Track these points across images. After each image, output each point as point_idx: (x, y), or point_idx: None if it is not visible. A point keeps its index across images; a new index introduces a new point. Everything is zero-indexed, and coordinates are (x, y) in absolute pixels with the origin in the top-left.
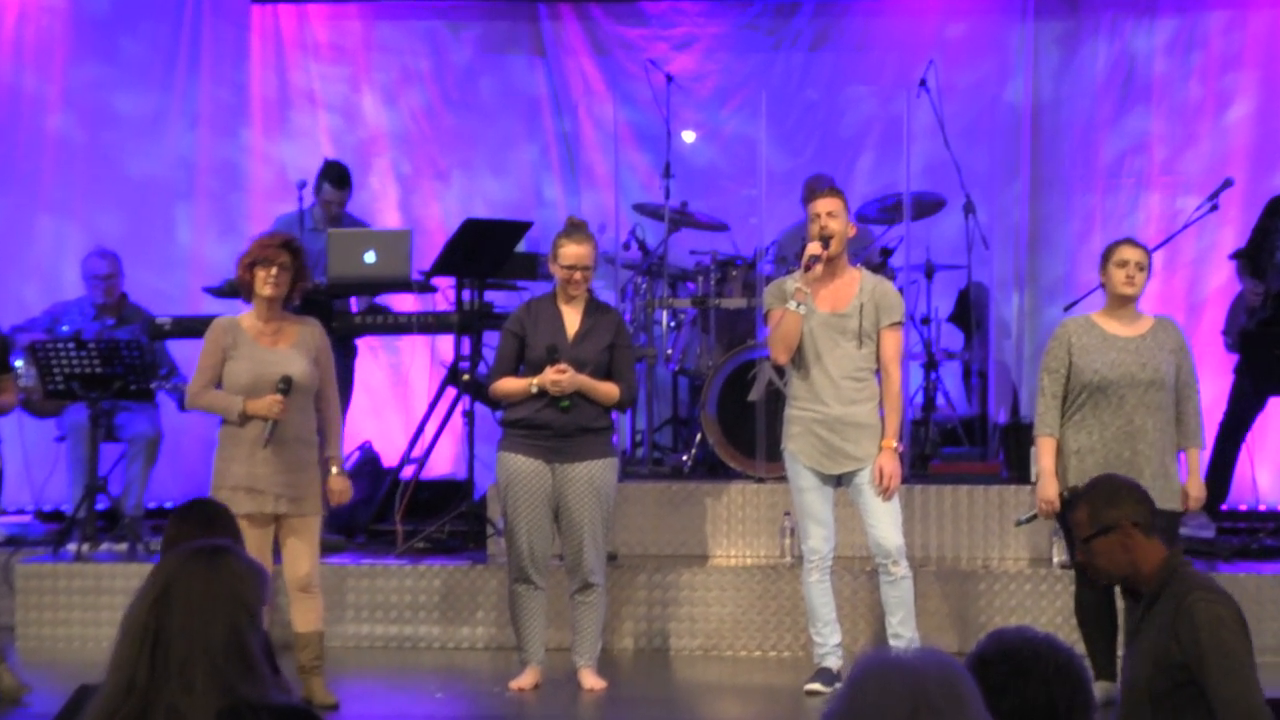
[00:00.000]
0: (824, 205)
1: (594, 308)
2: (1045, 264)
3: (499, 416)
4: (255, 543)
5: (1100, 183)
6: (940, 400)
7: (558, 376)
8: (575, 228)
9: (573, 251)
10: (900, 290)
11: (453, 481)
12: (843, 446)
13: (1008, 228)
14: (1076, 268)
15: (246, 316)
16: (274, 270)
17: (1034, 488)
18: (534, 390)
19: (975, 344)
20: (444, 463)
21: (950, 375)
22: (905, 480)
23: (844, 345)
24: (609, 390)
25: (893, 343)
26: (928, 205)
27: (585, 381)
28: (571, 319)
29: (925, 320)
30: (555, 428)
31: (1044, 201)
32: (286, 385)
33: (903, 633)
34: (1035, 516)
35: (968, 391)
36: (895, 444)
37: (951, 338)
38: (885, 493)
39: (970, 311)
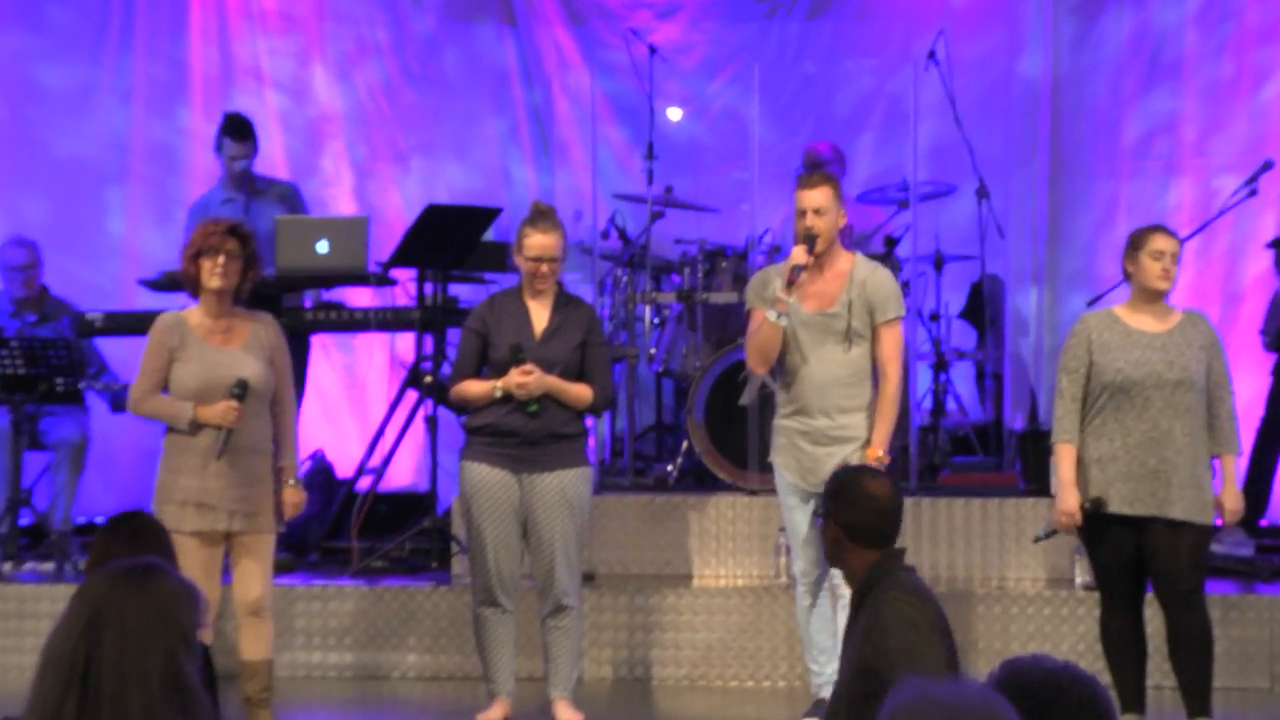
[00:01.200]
0: (811, 199)
1: (564, 302)
2: (1066, 254)
3: (463, 422)
4: (204, 563)
5: (1126, 165)
6: (951, 404)
7: (523, 379)
8: (541, 215)
9: (538, 241)
10: (905, 283)
11: (413, 494)
12: (826, 462)
13: (1025, 215)
14: (1100, 258)
15: (194, 313)
16: (221, 259)
17: (1053, 500)
18: (498, 394)
19: (989, 342)
20: (404, 473)
21: (962, 377)
22: (909, 494)
23: (830, 347)
24: (581, 393)
25: (890, 341)
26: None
27: (554, 383)
28: (539, 315)
29: (934, 316)
30: (522, 434)
31: (1064, 186)
32: (241, 390)
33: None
34: (1055, 532)
35: (981, 395)
36: (880, 454)
37: (963, 336)
38: None
39: (984, 307)
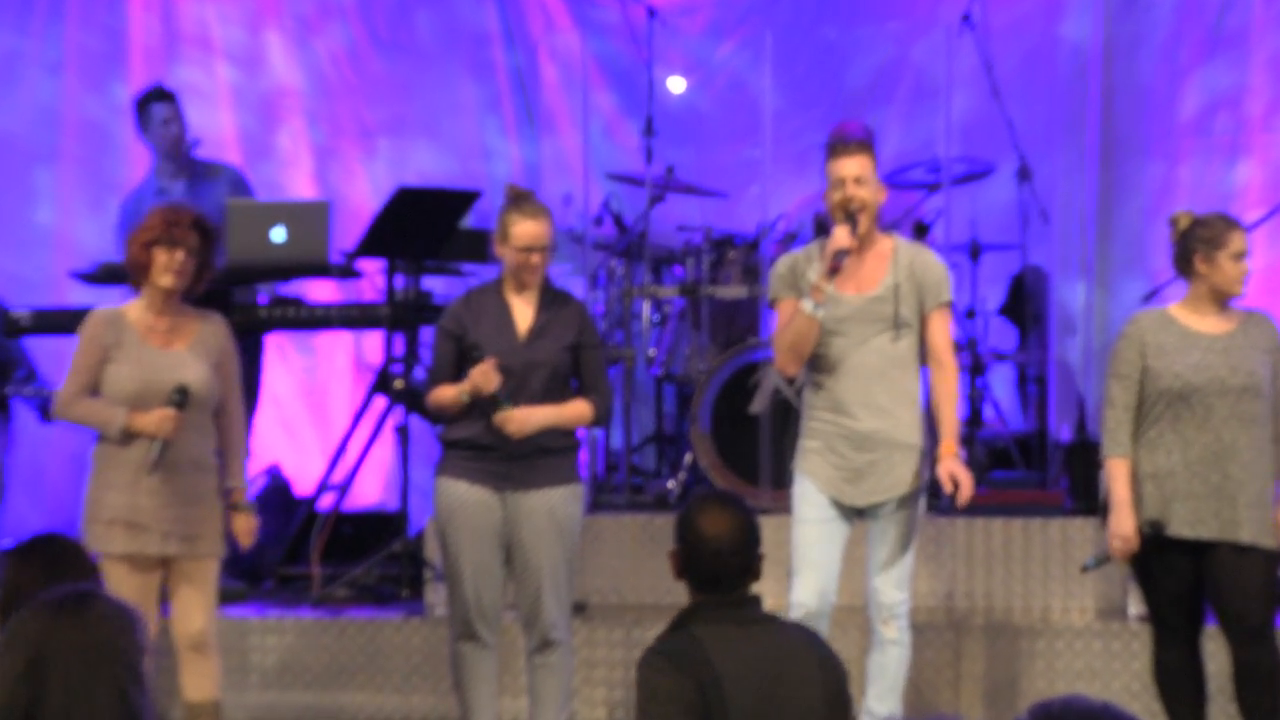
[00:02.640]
0: (850, 167)
1: (551, 298)
2: (1118, 243)
3: (439, 434)
4: (137, 590)
5: (1185, 143)
6: (988, 412)
7: (510, 419)
8: (524, 198)
9: (528, 229)
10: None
11: (382, 514)
12: (871, 471)
13: (1072, 198)
14: (1156, 247)
15: (134, 308)
16: (179, 255)
17: (1105, 521)
18: (464, 399)
19: (1032, 342)
20: (371, 491)
21: (1001, 381)
22: (942, 511)
23: (876, 338)
24: (577, 414)
25: (942, 327)
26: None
27: (546, 416)
28: (523, 313)
29: (970, 313)
30: (504, 448)
31: (1116, 166)
32: (181, 397)
33: (877, 709)
34: (1108, 558)
35: (1023, 401)
36: (956, 447)
37: (1002, 335)
38: (967, 499)
39: (1025, 302)
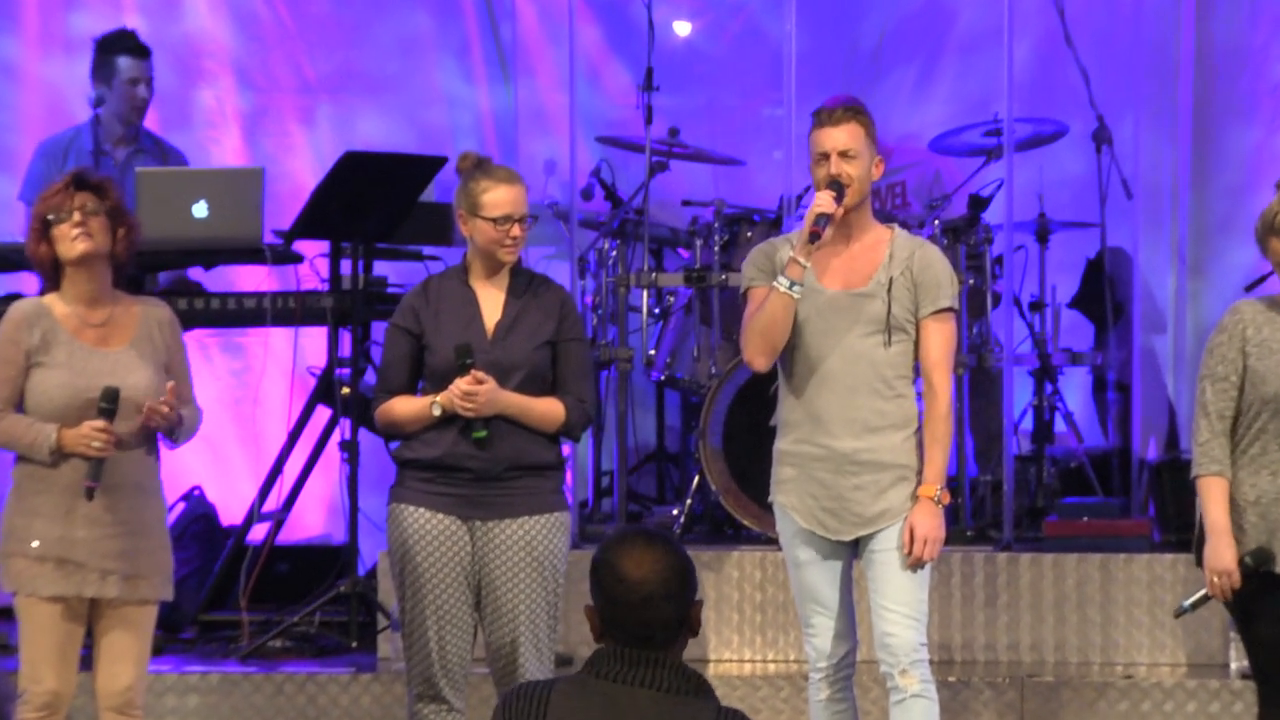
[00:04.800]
0: (834, 138)
1: (525, 284)
2: (1215, 221)
3: (393, 451)
4: (60, 641)
5: None
6: (1059, 426)
7: (471, 388)
8: (486, 162)
9: (504, 195)
10: (998, 259)
11: (325, 547)
12: (854, 499)
13: (1160, 167)
14: None
15: (58, 300)
16: (76, 219)
17: (1199, 555)
18: (436, 412)
19: (1111, 341)
20: (312, 520)
21: (1074, 388)
22: (1002, 547)
23: (861, 340)
24: (548, 411)
25: (940, 338)
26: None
27: (512, 400)
28: (491, 303)
29: (1036, 306)
30: (474, 469)
31: (1213, 130)
32: (111, 404)
33: None
34: (1206, 598)
35: (1101, 412)
36: (937, 491)
37: (1076, 332)
38: (915, 562)
39: (1105, 293)
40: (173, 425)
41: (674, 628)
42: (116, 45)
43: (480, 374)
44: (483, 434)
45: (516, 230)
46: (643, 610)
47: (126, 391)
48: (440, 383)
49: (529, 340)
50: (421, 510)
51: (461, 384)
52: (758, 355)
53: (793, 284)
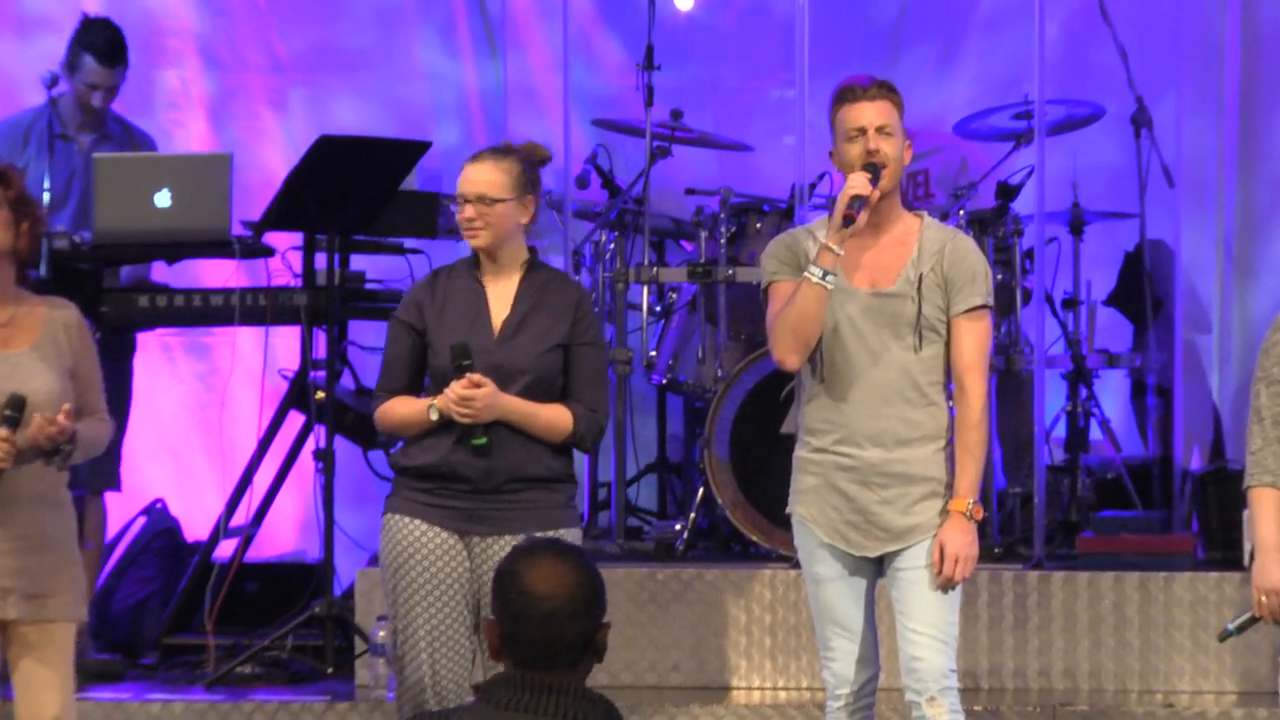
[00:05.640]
0: (869, 114)
1: (539, 281)
2: (1265, 211)
3: (392, 456)
4: None
5: None
6: (1095, 433)
7: (467, 393)
8: (489, 147)
9: (466, 173)
10: (1028, 252)
11: (299, 565)
12: (881, 513)
13: (1205, 154)
14: None
15: None
16: None
17: (1248, 574)
18: (433, 416)
19: (1151, 342)
20: (285, 536)
21: (1111, 392)
22: (1033, 565)
23: (892, 345)
24: (554, 418)
25: (974, 338)
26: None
27: (513, 405)
28: (500, 300)
29: (1070, 303)
30: (471, 479)
31: (1264, 112)
32: (16, 412)
33: None
34: (1254, 620)
35: (1140, 419)
36: (969, 506)
37: (1113, 332)
38: (945, 582)
39: (1143, 289)
40: (59, 445)
41: (578, 650)
42: (90, 41)
43: (478, 377)
44: (483, 441)
45: (469, 212)
46: (546, 627)
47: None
48: (441, 384)
49: (537, 343)
50: (417, 522)
51: (457, 388)
52: (789, 353)
53: (826, 274)
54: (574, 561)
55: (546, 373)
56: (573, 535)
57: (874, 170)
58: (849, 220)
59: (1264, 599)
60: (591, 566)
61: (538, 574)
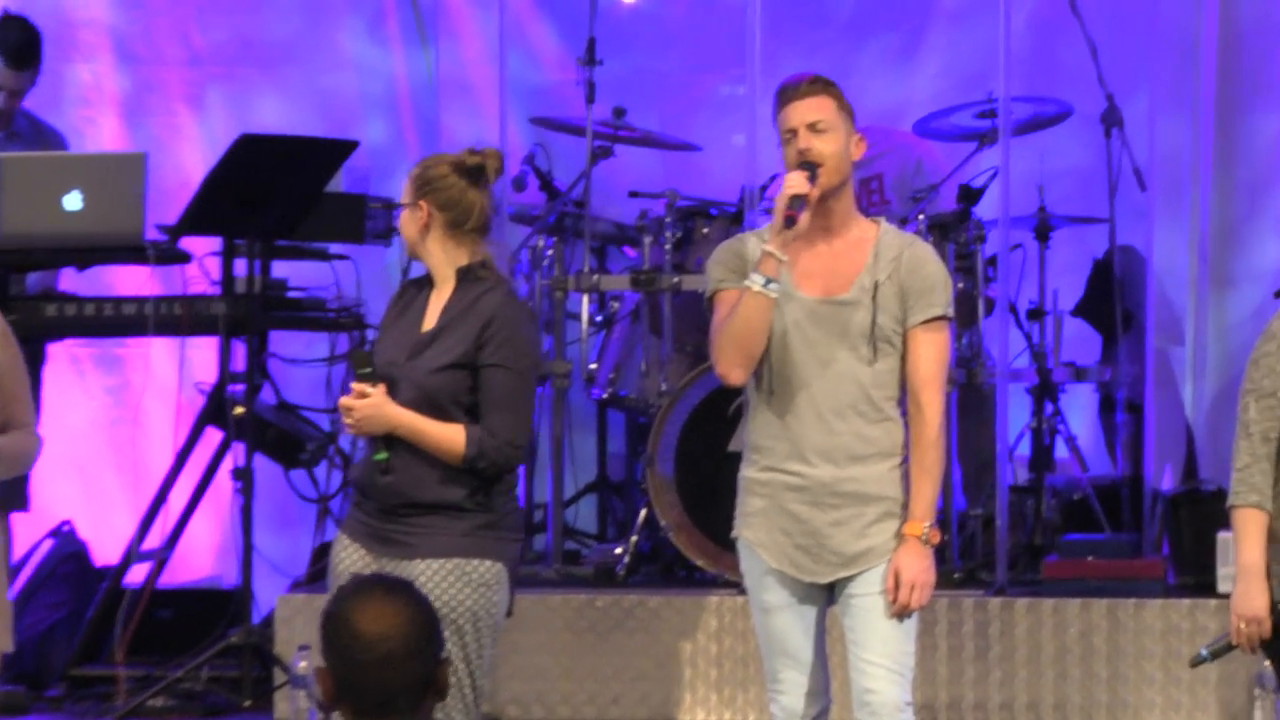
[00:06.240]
0: (800, 112)
1: (470, 293)
2: (1243, 216)
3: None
4: None
5: None
6: (1061, 451)
7: (347, 402)
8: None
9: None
10: (991, 259)
11: (216, 591)
12: (833, 536)
13: (1179, 155)
14: None
15: None
16: None
17: (1225, 599)
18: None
19: (1121, 355)
20: (201, 560)
21: (1079, 408)
22: (995, 591)
23: (844, 356)
24: (444, 437)
25: (931, 351)
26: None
27: (403, 419)
28: (434, 310)
29: (1035, 313)
30: (375, 498)
31: (1241, 111)
32: None
33: None
34: (1229, 647)
35: (1109, 436)
36: (925, 529)
37: (1081, 344)
38: (900, 610)
39: (1114, 299)
40: None
41: (418, 691)
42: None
43: (362, 386)
44: (383, 456)
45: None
46: (382, 671)
47: None
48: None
49: (430, 360)
50: (346, 539)
51: (344, 397)
52: (732, 367)
53: (768, 281)
54: (404, 597)
55: (437, 391)
56: (469, 566)
57: (811, 169)
58: (790, 221)
59: (1243, 626)
60: (424, 601)
61: (367, 615)
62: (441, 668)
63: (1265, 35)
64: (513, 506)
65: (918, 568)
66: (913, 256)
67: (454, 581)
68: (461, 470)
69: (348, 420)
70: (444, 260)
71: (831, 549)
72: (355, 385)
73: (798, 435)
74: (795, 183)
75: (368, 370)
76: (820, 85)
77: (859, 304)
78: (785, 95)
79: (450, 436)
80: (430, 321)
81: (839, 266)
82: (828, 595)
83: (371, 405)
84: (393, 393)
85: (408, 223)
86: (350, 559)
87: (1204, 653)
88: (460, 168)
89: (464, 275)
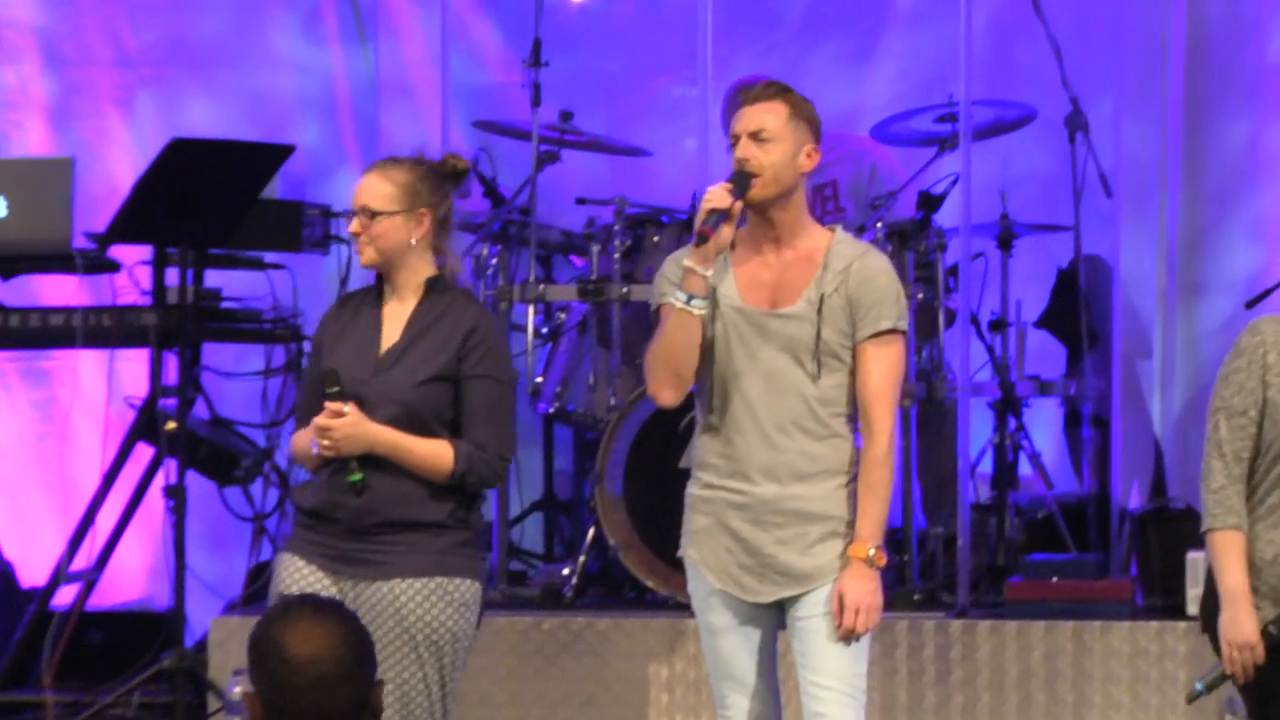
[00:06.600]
0: (745, 119)
1: (439, 304)
2: (1212, 224)
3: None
4: None
5: None
6: (1025, 468)
7: (326, 422)
8: (385, 156)
9: (357, 184)
10: (953, 268)
11: (147, 614)
12: (778, 555)
13: (1147, 161)
14: (1269, 228)
15: None
16: None
17: (1206, 626)
18: (314, 451)
19: (1087, 368)
20: (131, 581)
21: (1043, 423)
22: (957, 613)
23: (790, 371)
24: (431, 454)
25: (881, 366)
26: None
27: (384, 437)
28: (394, 325)
29: (998, 324)
30: (343, 520)
31: (1210, 115)
32: None
33: None
34: (1224, 677)
35: (1074, 452)
36: (870, 551)
37: (1045, 356)
38: (846, 635)
39: (1079, 310)
40: None
41: (351, 716)
42: None
43: (338, 406)
44: (357, 477)
45: (354, 226)
46: (314, 694)
47: None
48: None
49: (411, 373)
50: (299, 561)
51: (319, 417)
52: (662, 387)
53: (691, 298)
54: (335, 618)
55: (420, 406)
56: (450, 585)
57: (742, 180)
58: (702, 238)
59: (1236, 654)
60: (356, 622)
61: (298, 637)
62: (375, 691)
63: (1235, 34)
64: (483, 523)
65: (862, 590)
66: (862, 268)
67: (436, 601)
68: (443, 487)
69: (324, 441)
70: (417, 271)
71: (777, 568)
72: (330, 405)
73: (741, 452)
74: (714, 197)
75: (336, 389)
76: (773, 91)
77: (805, 318)
78: (734, 101)
79: (436, 452)
80: (392, 334)
81: (787, 278)
82: (777, 617)
83: (350, 424)
84: (364, 410)
85: (396, 232)
86: (304, 583)
87: (1199, 686)
88: (450, 173)
89: (432, 285)
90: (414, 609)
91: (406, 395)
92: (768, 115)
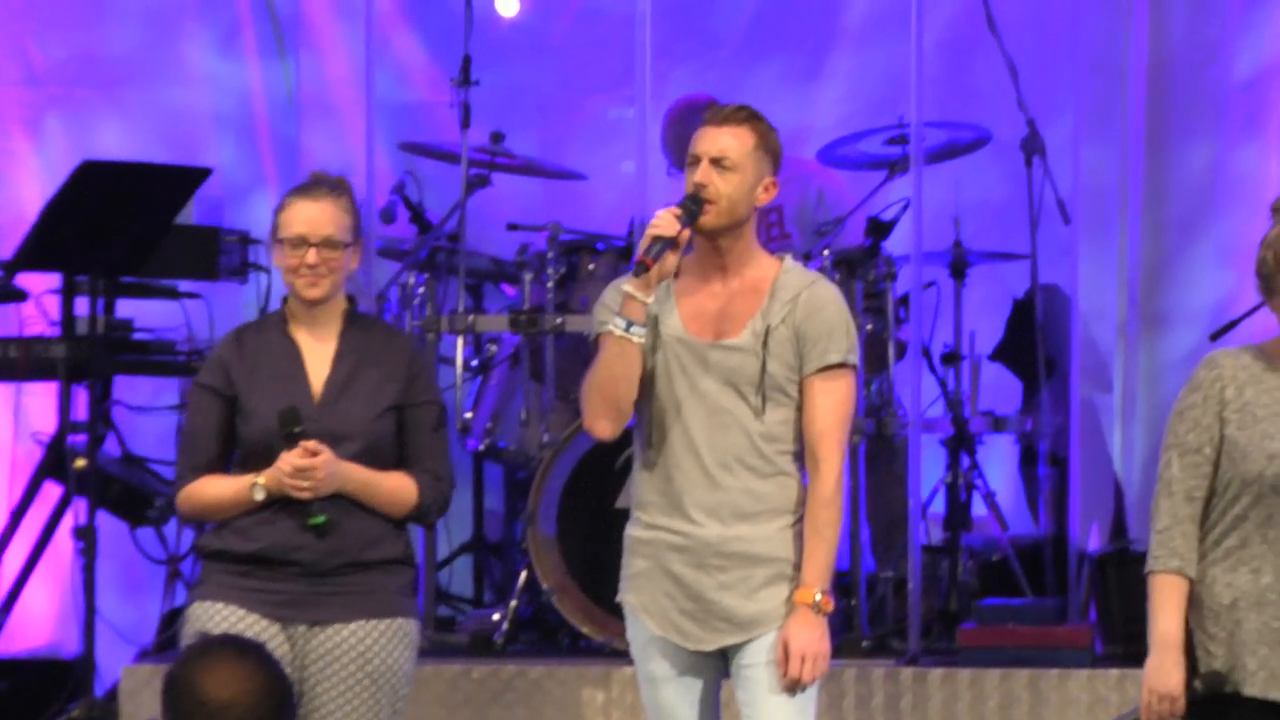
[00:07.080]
0: (707, 141)
1: (361, 334)
2: (1175, 253)
3: (195, 541)
4: None
5: (1278, 112)
6: (979, 508)
7: (305, 463)
8: (317, 181)
9: (300, 212)
10: (904, 298)
11: (54, 661)
12: (720, 600)
13: (1105, 185)
14: (1234, 257)
15: None
16: None
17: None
18: (259, 497)
19: (1044, 403)
20: (38, 627)
21: (998, 461)
22: (907, 660)
23: (734, 406)
24: (397, 488)
25: (828, 402)
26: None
27: (356, 474)
28: (318, 356)
29: (950, 358)
30: (303, 562)
31: (1173, 138)
32: None
33: None
34: None
35: (1030, 492)
36: (816, 596)
37: (1000, 391)
38: (792, 684)
39: (1036, 342)
40: None
41: None
42: None
43: (313, 444)
44: (320, 520)
45: (312, 258)
46: None
47: None
48: (257, 458)
49: (367, 405)
50: (232, 608)
51: (292, 458)
52: (599, 418)
53: (630, 325)
54: (256, 660)
55: (380, 439)
56: (408, 626)
57: (694, 206)
58: (642, 267)
59: (1154, 703)
60: (277, 665)
61: (215, 679)
62: None
63: (1198, 53)
64: None
65: (808, 638)
66: (810, 298)
67: (396, 643)
68: (397, 522)
69: (304, 484)
70: (339, 301)
71: (719, 614)
72: (305, 444)
73: (681, 490)
74: (661, 223)
75: (299, 429)
76: (743, 116)
77: (748, 349)
78: (707, 117)
79: (400, 486)
80: (320, 367)
81: (733, 308)
82: (720, 665)
83: (329, 462)
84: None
85: (348, 263)
86: (249, 634)
87: None
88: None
89: (350, 315)
90: (378, 651)
91: (369, 428)
92: (733, 141)
